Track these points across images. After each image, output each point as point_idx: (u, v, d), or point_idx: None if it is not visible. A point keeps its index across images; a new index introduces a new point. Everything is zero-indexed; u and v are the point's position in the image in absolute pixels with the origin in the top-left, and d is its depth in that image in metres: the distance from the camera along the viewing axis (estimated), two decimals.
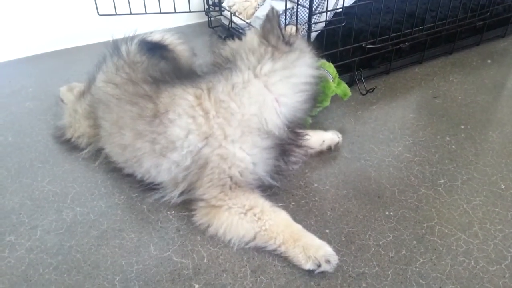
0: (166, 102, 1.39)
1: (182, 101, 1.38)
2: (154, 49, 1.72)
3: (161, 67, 1.61)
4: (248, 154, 1.36)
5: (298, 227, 1.32)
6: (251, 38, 1.44)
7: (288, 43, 1.40)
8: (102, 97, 1.59)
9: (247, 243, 1.32)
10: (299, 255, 1.25)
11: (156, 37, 1.80)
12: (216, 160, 1.35)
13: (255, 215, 1.32)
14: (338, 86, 1.94)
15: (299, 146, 1.51)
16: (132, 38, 1.74)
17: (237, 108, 1.35)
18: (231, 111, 1.35)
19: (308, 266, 1.23)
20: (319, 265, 1.22)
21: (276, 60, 1.38)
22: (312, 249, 1.25)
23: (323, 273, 1.23)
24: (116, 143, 1.53)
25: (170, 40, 1.82)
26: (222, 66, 1.41)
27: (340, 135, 1.74)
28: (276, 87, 1.38)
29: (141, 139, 1.43)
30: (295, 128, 1.46)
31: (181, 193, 1.45)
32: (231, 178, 1.36)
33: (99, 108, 1.60)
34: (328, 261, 1.22)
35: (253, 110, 1.35)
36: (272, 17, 1.37)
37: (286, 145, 1.44)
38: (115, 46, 1.71)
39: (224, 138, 1.35)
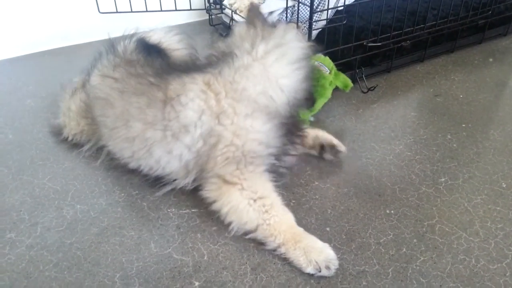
0: (177, 88, 1.42)
1: (193, 86, 1.41)
2: (150, 49, 1.72)
3: (158, 64, 1.61)
4: (259, 131, 1.39)
5: (301, 230, 1.32)
6: (239, 29, 1.52)
7: (272, 24, 1.50)
8: (100, 93, 1.58)
9: (246, 233, 1.32)
10: (300, 258, 1.24)
11: (154, 38, 1.80)
12: (229, 137, 1.37)
13: (264, 206, 1.32)
14: (336, 78, 1.97)
15: (298, 136, 1.58)
16: (130, 37, 1.74)
17: (245, 87, 1.39)
18: (240, 91, 1.39)
19: (309, 270, 1.22)
20: (320, 270, 1.22)
21: (267, 40, 1.44)
22: (314, 253, 1.24)
23: None
24: (121, 137, 1.51)
25: (167, 44, 1.82)
26: (220, 58, 1.46)
27: (342, 146, 1.67)
28: (274, 68, 1.42)
29: (152, 128, 1.43)
30: (296, 111, 1.52)
31: (194, 180, 1.46)
32: (245, 155, 1.37)
33: (97, 105, 1.59)
34: (328, 267, 1.21)
35: (259, 89, 1.40)
36: (254, 6, 1.55)
37: (290, 125, 1.49)
38: (110, 44, 1.71)
39: (235, 115, 1.38)
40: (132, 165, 1.54)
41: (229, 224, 1.34)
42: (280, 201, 1.37)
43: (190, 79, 1.44)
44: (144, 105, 1.44)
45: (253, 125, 1.39)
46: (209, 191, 1.40)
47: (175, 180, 1.48)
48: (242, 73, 1.40)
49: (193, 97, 1.40)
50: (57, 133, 1.79)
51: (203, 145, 1.40)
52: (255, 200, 1.33)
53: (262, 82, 1.41)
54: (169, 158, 1.45)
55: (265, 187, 1.38)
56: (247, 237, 1.32)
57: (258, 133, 1.40)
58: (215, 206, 1.38)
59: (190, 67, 1.53)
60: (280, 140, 1.45)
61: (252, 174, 1.38)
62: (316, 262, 1.22)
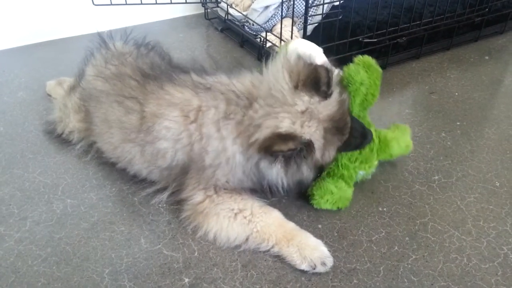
0: (153, 112, 1.35)
1: (169, 116, 1.33)
2: (142, 45, 1.70)
3: (150, 57, 1.59)
4: (228, 176, 1.34)
5: (291, 225, 1.30)
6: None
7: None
8: (92, 91, 1.56)
9: (239, 246, 1.29)
10: (294, 255, 1.23)
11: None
12: (196, 172, 1.34)
13: (245, 217, 1.29)
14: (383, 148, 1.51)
15: None
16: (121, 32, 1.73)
17: (218, 146, 1.29)
18: (211, 147, 1.30)
19: (303, 267, 1.21)
20: (314, 267, 1.20)
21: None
22: (308, 249, 1.22)
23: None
24: (106, 141, 1.51)
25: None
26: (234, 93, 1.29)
27: None
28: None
29: (131, 143, 1.42)
30: None
31: (172, 193, 1.43)
32: (215, 185, 1.35)
33: (90, 102, 1.57)
34: (323, 264, 1.21)
35: (236, 158, 1.30)
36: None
37: None
38: (102, 38, 1.69)
39: (203, 165, 1.32)
40: (119, 166, 1.53)
41: (221, 244, 1.30)
42: (258, 205, 1.33)
43: (169, 98, 1.34)
44: (123, 116, 1.42)
45: (224, 173, 1.32)
46: (189, 220, 1.35)
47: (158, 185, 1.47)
48: (225, 130, 1.28)
49: (168, 127, 1.33)
50: (50, 129, 1.76)
51: (180, 170, 1.38)
52: (234, 217, 1.30)
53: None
54: (149, 170, 1.44)
55: (238, 201, 1.33)
56: (241, 249, 1.28)
57: (227, 176, 1.33)
58: (200, 234, 1.32)
59: (180, 71, 1.46)
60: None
61: (222, 196, 1.34)
62: (311, 259, 1.21)
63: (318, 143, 1.25)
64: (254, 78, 1.32)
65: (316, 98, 1.23)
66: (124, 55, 1.58)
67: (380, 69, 1.45)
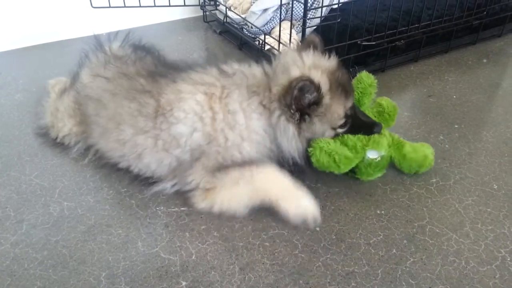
0: (171, 99, 1.39)
1: (190, 99, 1.38)
2: (137, 47, 1.70)
3: (148, 60, 1.59)
4: (246, 154, 1.41)
5: (286, 181, 1.38)
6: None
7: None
8: (91, 93, 1.55)
9: (251, 206, 1.37)
10: (291, 204, 1.34)
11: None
12: (213, 155, 1.38)
13: (246, 180, 1.37)
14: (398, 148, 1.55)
15: None
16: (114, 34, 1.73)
17: (243, 121, 1.38)
18: (237, 122, 1.38)
19: (299, 212, 1.33)
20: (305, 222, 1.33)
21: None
22: (303, 200, 1.35)
23: (311, 271, 1.22)
24: (113, 138, 1.50)
25: None
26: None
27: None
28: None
29: (143, 135, 1.42)
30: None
31: (174, 184, 1.46)
32: (222, 165, 1.39)
33: (89, 105, 1.56)
34: (314, 215, 1.33)
35: (259, 130, 1.40)
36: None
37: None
38: (98, 41, 1.69)
39: (225, 142, 1.38)
40: (122, 165, 1.52)
41: (237, 211, 1.38)
42: (256, 166, 1.40)
43: (190, 88, 1.41)
44: (136, 111, 1.43)
45: (240, 150, 1.40)
46: (200, 203, 1.41)
47: (161, 180, 1.47)
48: (252, 108, 1.40)
49: (188, 111, 1.38)
50: (43, 134, 1.75)
51: (190, 157, 1.41)
52: (238, 181, 1.37)
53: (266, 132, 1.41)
54: (159, 164, 1.44)
55: (237, 168, 1.39)
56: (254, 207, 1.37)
57: (244, 155, 1.40)
58: (215, 210, 1.39)
59: (188, 68, 1.50)
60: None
61: (224, 170, 1.40)
62: (304, 208, 1.34)
63: (325, 87, 1.35)
64: (266, 67, 1.45)
65: (318, 53, 1.43)
66: (122, 57, 1.57)
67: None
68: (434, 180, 1.56)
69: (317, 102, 1.35)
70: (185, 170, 1.41)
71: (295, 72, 1.36)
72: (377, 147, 1.46)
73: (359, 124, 1.48)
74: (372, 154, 1.47)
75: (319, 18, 2.10)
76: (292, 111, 1.35)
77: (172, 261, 1.26)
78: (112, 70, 1.54)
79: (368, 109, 1.61)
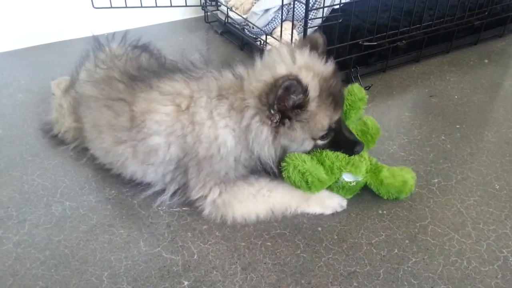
0: (143, 109, 1.35)
1: (159, 110, 1.34)
2: (137, 47, 1.71)
3: (140, 60, 1.59)
4: (223, 168, 1.37)
5: (301, 191, 1.40)
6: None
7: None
8: (82, 95, 1.56)
9: (268, 218, 1.39)
10: (317, 208, 1.41)
11: None
12: (196, 168, 1.36)
13: (264, 195, 1.39)
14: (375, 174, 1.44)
15: None
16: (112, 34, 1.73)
17: (211, 132, 1.31)
18: (204, 134, 1.32)
19: (328, 212, 1.41)
20: (336, 210, 1.41)
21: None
22: (326, 200, 1.42)
23: (313, 271, 1.22)
24: (97, 146, 1.51)
25: None
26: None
27: None
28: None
29: (122, 144, 1.40)
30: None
31: (173, 194, 1.44)
32: (218, 177, 1.37)
33: (80, 108, 1.57)
34: (341, 206, 1.42)
35: (228, 141, 1.33)
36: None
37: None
38: (98, 41, 1.70)
39: (196, 156, 1.34)
40: (114, 171, 1.51)
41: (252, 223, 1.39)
42: (270, 180, 1.42)
43: (159, 96, 1.35)
44: (113, 120, 1.41)
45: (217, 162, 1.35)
46: (211, 214, 1.39)
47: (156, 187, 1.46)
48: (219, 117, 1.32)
49: (160, 122, 1.33)
50: (48, 129, 1.76)
51: (177, 168, 1.38)
52: (255, 196, 1.38)
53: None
54: (144, 172, 1.43)
55: (252, 182, 1.40)
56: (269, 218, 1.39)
57: (222, 167, 1.36)
58: (228, 222, 1.37)
59: (168, 71, 1.46)
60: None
61: (236, 184, 1.39)
62: (332, 206, 1.42)
63: (314, 92, 1.26)
64: (249, 67, 1.36)
65: (314, 55, 1.33)
66: (116, 58, 1.57)
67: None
68: (436, 180, 1.56)
69: (302, 106, 1.25)
70: (180, 178, 1.40)
71: (281, 70, 1.25)
72: (355, 171, 1.38)
73: (342, 140, 1.39)
74: (348, 177, 1.41)
75: (321, 19, 2.10)
76: (272, 111, 1.25)
77: (174, 261, 1.26)
78: (99, 74, 1.53)
79: (353, 124, 1.54)
